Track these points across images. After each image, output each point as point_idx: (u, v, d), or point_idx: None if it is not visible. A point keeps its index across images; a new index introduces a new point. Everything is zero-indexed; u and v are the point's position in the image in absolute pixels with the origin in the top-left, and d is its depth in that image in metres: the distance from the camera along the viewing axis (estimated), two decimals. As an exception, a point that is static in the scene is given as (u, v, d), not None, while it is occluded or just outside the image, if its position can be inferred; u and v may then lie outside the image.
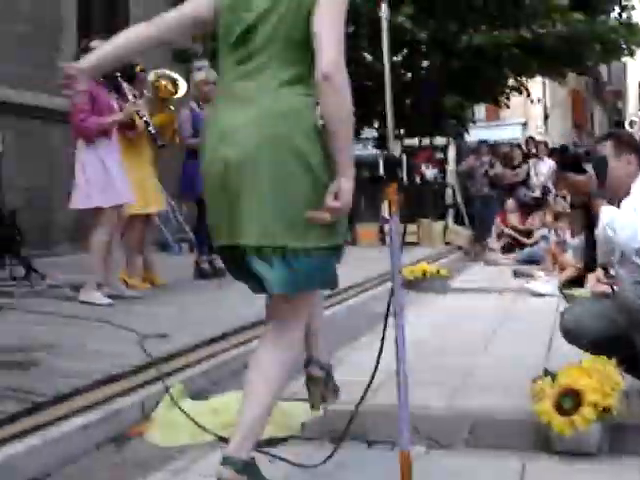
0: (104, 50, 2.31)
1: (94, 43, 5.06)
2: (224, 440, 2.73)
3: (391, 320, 2.14)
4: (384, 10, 2.04)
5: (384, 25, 2.03)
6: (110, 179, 5.08)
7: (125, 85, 5.65)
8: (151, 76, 6.21)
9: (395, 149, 9.71)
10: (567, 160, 2.95)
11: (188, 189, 6.53)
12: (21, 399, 2.67)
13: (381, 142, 13.95)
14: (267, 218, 2.05)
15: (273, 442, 2.73)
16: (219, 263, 6.67)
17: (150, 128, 5.76)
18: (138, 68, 6.06)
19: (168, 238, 10.49)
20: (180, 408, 2.98)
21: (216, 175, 2.13)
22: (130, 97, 5.56)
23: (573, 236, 7.31)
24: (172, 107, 6.44)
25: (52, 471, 2.44)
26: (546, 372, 2.69)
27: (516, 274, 7.83)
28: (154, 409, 3.03)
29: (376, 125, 14.10)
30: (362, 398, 2.38)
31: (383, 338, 2.22)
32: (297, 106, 2.10)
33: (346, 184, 2.03)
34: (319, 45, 2.01)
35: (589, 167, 2.83)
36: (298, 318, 2.21)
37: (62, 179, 9.43)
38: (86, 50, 5.02)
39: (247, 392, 2.15)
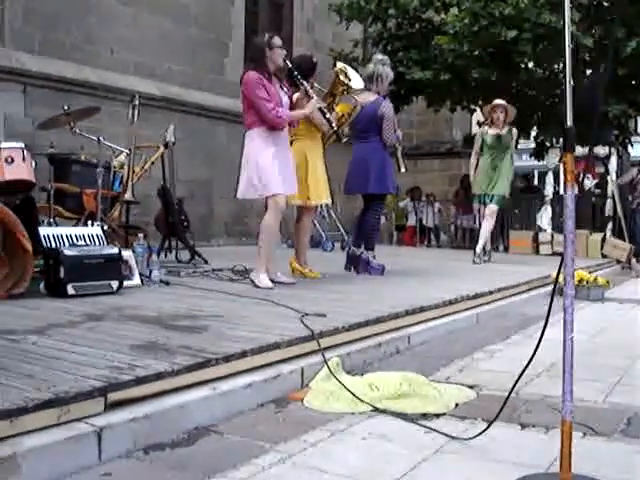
0: None
1: (276, 40, 5.22)
2: (379, 411, 2.83)
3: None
4: (568, 22, 1.92)
5: (567, 41, 1.91)
6: (281, 169, 5.19)
7: (306, 83, 5.55)
8: (339, 65, 6.12)
9: (553, 158, 9.52)
10: None
11: (394, 185, 6.90)
12: (193, 355, 2.86)
13: (538, 152, 13.60)
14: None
15: (429, 417, 2.78)
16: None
17: (333, 125, 5.69)
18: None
19: (322, 235, 10.74)
20: (337, 379, 3.10)
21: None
22: (313, 94, 5.53)
23: None
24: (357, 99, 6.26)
25: (220, 420, 2.61)
26: None
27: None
28: (312, 379, 3.16)
29: (533, 134, 13.75)
30: (516, 382, 2.40)
31: (545, 325, 2.23)
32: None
33: None
34: None
35: None
36: None
37: (222, 175, 9.93)
38: (270, 45, 5.21)
39: None
